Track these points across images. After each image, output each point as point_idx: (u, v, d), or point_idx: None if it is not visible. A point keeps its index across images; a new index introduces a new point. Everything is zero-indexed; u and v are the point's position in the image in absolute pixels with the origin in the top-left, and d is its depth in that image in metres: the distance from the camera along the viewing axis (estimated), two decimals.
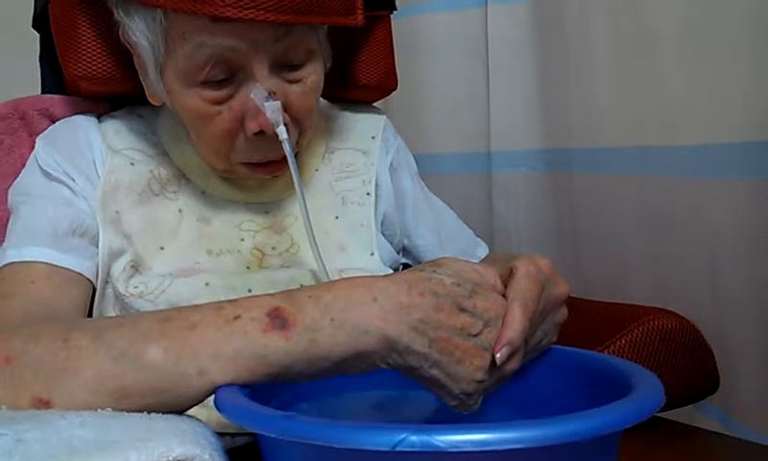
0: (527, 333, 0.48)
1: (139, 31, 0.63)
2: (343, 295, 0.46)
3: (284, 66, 0.65)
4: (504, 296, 0.49)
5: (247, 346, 0.45)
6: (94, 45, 0.71)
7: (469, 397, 0.47)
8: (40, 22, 0.79)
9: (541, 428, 0.36)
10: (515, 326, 0.47)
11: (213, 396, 0.45)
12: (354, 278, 0.48)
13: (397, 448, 0.35)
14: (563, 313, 0.55)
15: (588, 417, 0.38)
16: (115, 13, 0.66)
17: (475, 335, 0.46)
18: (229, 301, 0.47)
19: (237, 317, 0.46)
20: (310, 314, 0.45)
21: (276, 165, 0.69)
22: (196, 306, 0.47)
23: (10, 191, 0.71)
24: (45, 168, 0.69)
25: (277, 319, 0.45)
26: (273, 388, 0.48)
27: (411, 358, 0.45)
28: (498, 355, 0.46)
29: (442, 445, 0.35)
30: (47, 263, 0.64)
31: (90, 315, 0.67)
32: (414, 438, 0.35)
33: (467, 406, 0.48)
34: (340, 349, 0.45)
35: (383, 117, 0.85)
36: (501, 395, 0.50)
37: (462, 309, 0.46)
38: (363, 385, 0.55)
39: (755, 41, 0.80)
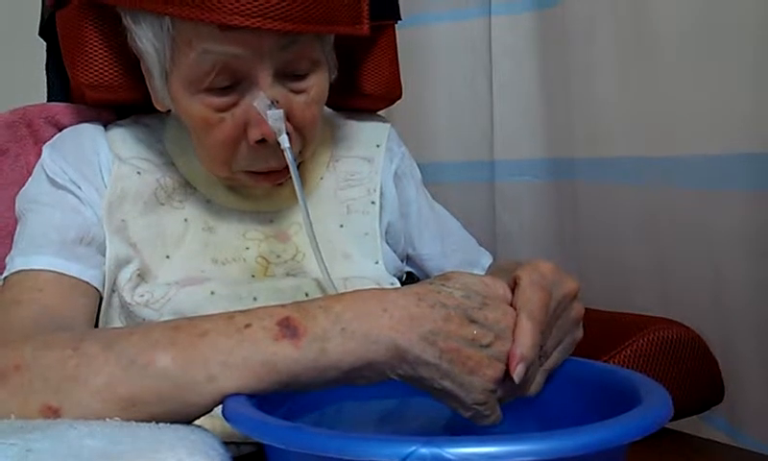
0: (540, 341, 0.48)
1: (146, 38, 0.64)
2: (353, 306, 0.46)
3: (289, 75, 0.65)
4: (512, 305, 0.49)
5: (257, 354, 0.45)
6: (101, 53, 0.71)
7: (484, 406, 0.47)
8: (47, 30, 0.79)
9: (551, 441, 0.36)
10: (525, 340, 0.47)
11: (220, 406, 0.45)
12: (364, 290, 0.48)
13: None
14: (578, 309, 0.54)
15: (599, 429, 0.38)
16: (123, 20, 0.66)
17: (486, 346, 0.46)
18: (240, 310, 0.47)
19: (248, 326, 0.46)
20: (320, 324, 0.45)
21: (277, 174, 0.69)
22: (207, 316, 0.48)
23: (17, 199, 0.71)
24: (52, 176, 0.69)
25: (288, 328, 0.45)
26: (276, 398, 0.47)
27: (422, 369, 0.45)
28: (515, 374, 0.46)
29: (452, 457, 0.35)
30: (54, 271, 0.64)
31: (97, 324, 0.67)
32: (424, 450, 0.35)
33: (483, 417, 0.47)
34: (350, 358, 0.45)
35: (387, 126, 0.85)
36: (506, 406, 0.50)
37: (472, 321, 0.46)
38: (366, 395, 0.54)
39: (759, 52, 0.80)
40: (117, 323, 0.67)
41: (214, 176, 0.72)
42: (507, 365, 0.46)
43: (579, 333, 0.55)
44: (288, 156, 0.64)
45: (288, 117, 0.64)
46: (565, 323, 0.53)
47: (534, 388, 0.51)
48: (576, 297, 0.54)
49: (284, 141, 0.63)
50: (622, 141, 0.98)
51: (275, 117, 0.63)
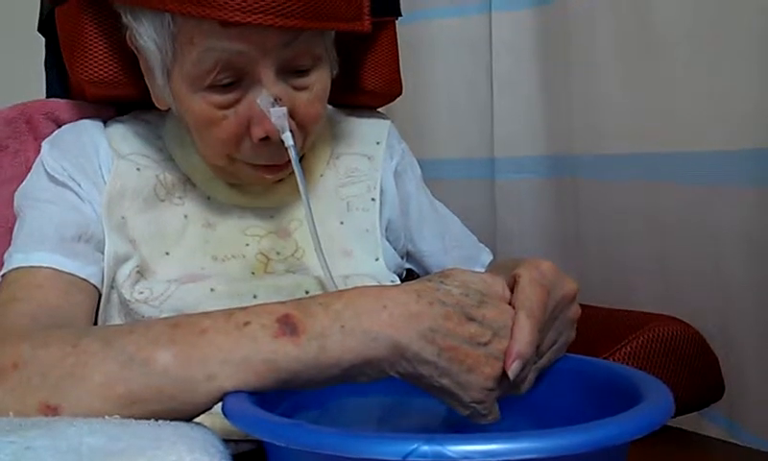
0: (538, 340, 0.48)
1: (147, 35, 0.63)
2: (353, 303, 0.46)
3: (291, 72, 0.65)
4: (511, 304, 0.49)
5: (256, 352, 0.45)
6: (101, 49, 0.71)
7: (482, 405, 0.47)
8: (46, 26, 0.79)
9: (553, 439, 0.36)
10: (523, 338, 0.47)
11: (220, 403, 0.45)
12: (364, 286, 0.48)
13: (409, 459, 0.35)
14: (575, 310, 0.54)
15: (600, 427, 0.37)
16: (123, 17, 0.66)
17: (484, 344, 0.46)
18: (240, 308, 0.47)
19: (247, 323, 0.46)
20: (320, 321, 0.45)
21: (279, 167, 0.68)
22: (206, 313, 0.47)
23: (16, 195, 0.70)
24: (51, 172, 0.69)
25: (287, 325, 0.45)
26: (276, 396, 0.47)
27: (420, 367, 0.45)
28: (511, 370, 0.46)
29: (453, 455, 0.35)
30: (53, 268, 0.63)
31: (96, 321, 0.67)
32: (425, 448, 0.35)
33: (480, 416, 0.48)
34: (349, 355, 0.45)
35: (388, 122, 0.85)
36: (507, 403, 0.50)
37: (470, 319, 0.46)
38: (366, 393, 0.54)
39: (761, 46, 0.80)
40: (116, 320, 0.67)
41: (214, 170, 0.72)
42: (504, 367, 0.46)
43: (573, 334, 0.55)
44: (292, 154, 0.63)
45: (291, 114, 0.64)
46: (562, 323, 0.53)
47: (525, 386, 0.51)
48: (575, 298, 0.54)
49: (288, 139, 0.63)
50: (623, 138, 0.98)
51: (278, 115, 0.62)
